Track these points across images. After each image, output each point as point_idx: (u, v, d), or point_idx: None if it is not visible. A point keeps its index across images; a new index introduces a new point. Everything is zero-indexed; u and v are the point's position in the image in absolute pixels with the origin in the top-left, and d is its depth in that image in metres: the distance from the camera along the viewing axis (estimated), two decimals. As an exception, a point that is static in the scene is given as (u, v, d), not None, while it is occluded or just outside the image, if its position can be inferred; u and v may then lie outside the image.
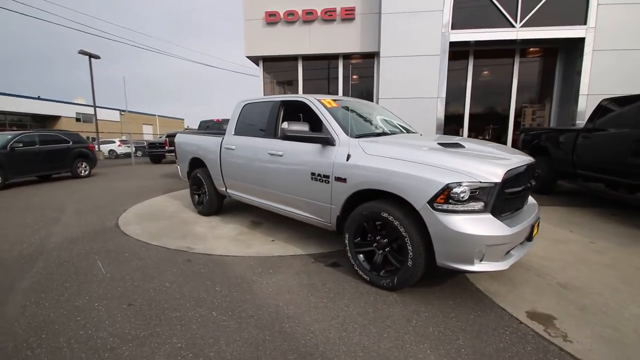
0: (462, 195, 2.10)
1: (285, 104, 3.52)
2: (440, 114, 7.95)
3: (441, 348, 1.85)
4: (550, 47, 8.19)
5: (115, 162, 16.27)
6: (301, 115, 3.29)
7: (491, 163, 2.25)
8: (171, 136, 8.63)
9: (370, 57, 8.83)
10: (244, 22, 8.68)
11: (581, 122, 7.51)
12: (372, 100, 8.90)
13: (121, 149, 21.87)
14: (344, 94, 9.00)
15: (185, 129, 36.63)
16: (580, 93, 7.45)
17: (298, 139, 2.99)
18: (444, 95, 7.85)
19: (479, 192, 2.13)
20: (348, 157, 2.67)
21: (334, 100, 3.31)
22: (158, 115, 40.71)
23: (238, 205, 5.22)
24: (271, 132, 3.52)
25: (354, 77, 9.12)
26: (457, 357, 1.78)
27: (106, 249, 3.42)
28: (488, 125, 8.90)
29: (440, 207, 2.15)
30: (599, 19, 7.13)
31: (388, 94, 7.96)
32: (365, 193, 2.62)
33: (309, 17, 8.42)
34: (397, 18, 7.67)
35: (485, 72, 8.69)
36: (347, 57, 8.89)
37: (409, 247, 2.30)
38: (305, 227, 4.00)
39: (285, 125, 2.90)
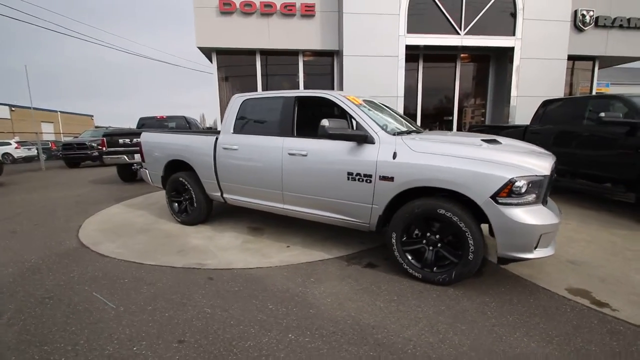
0: (522, 188, 2.24)
1: (301, 100, 3.29)
2: (400, 112, 8.38)
3: (531, 334, 1.94)
4: (484, 54, 9.30)
5: (17, 168, 13.27)
6: (312, 111, 3.13)
7: (539, 157, 2.44)
8: (111, 135, 7.38)
9: (330, 55, 8.85)
10: (194, 9, 7.87)
11: (512, 120, 8.76)
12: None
13: (19, 152, 17.98)
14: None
15: (96, 127, 31.65)
16: (511, 95, 8.65)
17: (334, 137, 2.81)
18: (402, 94, 8.31)
19: (533, 185, 2.29)
20: (394, 155, 2.62)
21: (356, 97, 3.21)
22: (60, 112, 34.45)
23: (223, 211, 4.73)
24: (288, 130, 3.25)
25: (314, 74, 9.04)
26: (550, 340, 1.88)
27: (91, 276, 2.75)
28: (435, 123, 9.73)
29: (503, 201, 2.25)
30: (524, 31, 8.36)
31: (352, 92, 8.07)
32: (408, 191, 2.60)
33: (267, 9, 8.04)
34: (359, 18, 7.83)
35: (432, 74, 9.46)
36: (307, 53, 8.75)
37: (470, 242, 2.36)
38: (314, 229, 3.83)
39: (326, 122, 2.70)
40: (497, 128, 6.74)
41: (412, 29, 8.15)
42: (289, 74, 8.92)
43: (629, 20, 9.19)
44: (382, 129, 2.79)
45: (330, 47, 8.44)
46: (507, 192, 2.24)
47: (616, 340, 1.87)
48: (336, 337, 1.92)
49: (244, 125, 3.60)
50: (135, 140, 7.07)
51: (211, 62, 8.73)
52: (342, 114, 3.67)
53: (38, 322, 2.10)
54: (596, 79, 10.08)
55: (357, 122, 2.88)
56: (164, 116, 9.12)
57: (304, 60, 8.76)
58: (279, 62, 8.79)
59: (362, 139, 2.76)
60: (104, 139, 7.12)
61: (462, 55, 9.22)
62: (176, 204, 4.26)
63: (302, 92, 3.32)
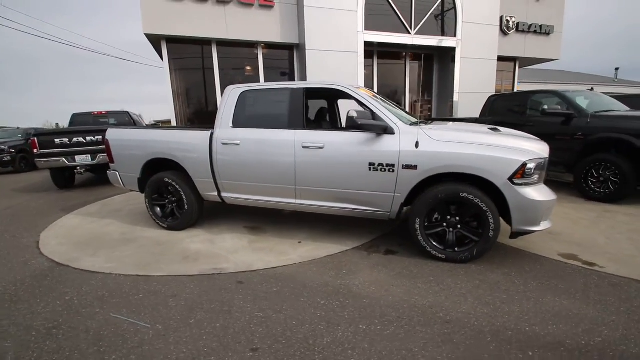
0: (532, 169, 2.55)
1: (310, 91, 3.22)
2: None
3: (557, 294, 2.25)
4: (429, 53, 10.11)
5: None
6: (317, 104, 3.12)
7: (538, 142, 2.80)
8: (44, 135, 6.25)
9: (289, 49, 8.72)
10: (139, -10, 7.03)
11: (455, 114, 9.72)
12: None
13: None
14: (266, 85, 8.60)
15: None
16: (454, 91, 9.58)
17: (363, 129, 2.82)
18: (363, 89, 8.60)
19: (538, 166, 2.62)
20: (417, 144, 2.75)
21: (367, 89, 3.26)
22: None
23: (210, 213, 4.40)
24: (299, 122, 3.15)
25: (274, 68, 8.82)
26: (573, 297, 2.21)
27: (94, 296, 2.36)
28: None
29: (518, 182, 2.54)
30: (463, 33, 9.29)
31: (316, 86, 8.11)
32: (427, 178, 2.77)
33: (223, -3, 7.57)
34: (320, 13, 7.85)
35: (385, 71, 9.97)
36: (267, 46, 8.48)
37: (491, 220, 2.61)
38: (317, 223, 3.82)
39: (354, 113, 2.71)
40: (449, 121, 7.43)
41: (369, 26, 8.46)
42: (248, 67, 8.56)
43: (540, 26, 10.85)
44: (401, 119, 2.90)
45: (290, 40, 8.31)
46: (522, 173, 2.53)
47: (619, 290, 2.28)
48: (404, 321, 1.99)
49: (244, 118, 3.39)
50: (77, 139, 6.11)
51: (159, 52, 7.92)
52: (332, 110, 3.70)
53: (61, 357, 1.75)
54: (517, 78, 11.72)
55: (374, 113, 2.94)
56: (103, 112, 8.03)
57: (263, 53, 8.48)
58: (238, 54, 8.37)
59: (384, 129, 2.84)
60: (35, 139, 5.99)
61: (410, 53, 9.88)
62: (158, 208, 3.84)
63: (312, 83, 3.25)
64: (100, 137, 6.24)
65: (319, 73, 8.05)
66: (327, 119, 4.19)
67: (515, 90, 11.80)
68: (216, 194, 3.56)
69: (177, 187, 3.62)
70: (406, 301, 2.21)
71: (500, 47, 10.11)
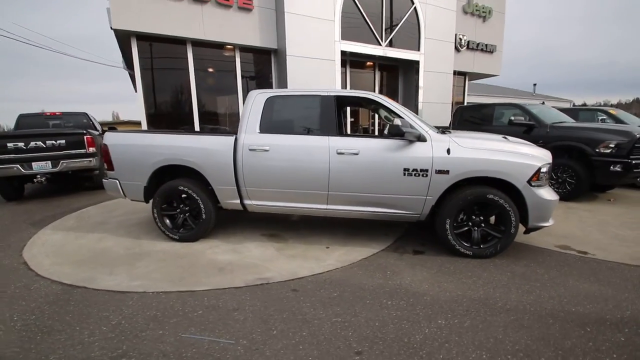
0: (545, 173, 2.97)
1: (340, 99, 3.30)
2: (337, 113, 8.95)
3: (576, 279, 2.64)
4: (394, 65, 10.77)
5: None
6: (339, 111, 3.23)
7: (541, 149, 3.24)
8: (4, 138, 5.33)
9: (267, 54, 8.62)
10: (106, -19, 6.40)
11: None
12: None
13: None
14: (243, 90, 8.38)
15: None
16: (418, 101, 10.34)
17: (397, 135, 2.98)
18: (339, 96, 8.85)
19: (547, 170, 3.04)
20: (448, 151, 3.00)
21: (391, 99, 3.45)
22: None
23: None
24: (332, 129, 3.21)
25: (252, 72, 8.64)
26: (590, 281, 2.61)
27: (147, 317, 2.15)
28: (364, 126, 10.73)
29: (534, 184, 2.93)
30: (426, 48, 10.10)
31: (296, 92, 8.14)
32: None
33: (200, -5, 7.24)
34: (301, 20, 7.92)
35: (356, 80, 10.38)
36: (244, 49, 8.28)
37: (513, 218, 2.96)
38: (333, 228, 3.90)
39: (399, 122, 2.85)
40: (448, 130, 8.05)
41: (344, 36, 8.76)
42: (225, 70, 8.26)
43: (486, 45, 12.25)
44: (431, 128, 3.14)
45: (268, 44, 8.23)
46: (537, 177, 2.93)
47: (617, 272, 2.76)
48: (473, 313, 2.18)
49: (272, 124, 3.35)
50: (36, 144, 5.33)
51: (125, 49, 7.27)
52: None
53: (155, 383, 1.59)
54: (467, 91, 13.04)
55: (406, 121, 3.13)
56: (57, 113, 7.10)
57: (241, 57, 8.26)
58: (214, 56, 8.04)
59: (417, 137, 3.04)
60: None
61: (379, 64, 10.44)
62: (167, 219, 3.57)
63: (342, 91, 3.35)
64: (64, 140, 5.55)
65: (298, 79, 8.10)
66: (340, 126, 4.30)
67: (467, 103, 13.11)
68: (238, 201, 3.44)
69: (195, 195, 3.41)
70: (462, 295, 2.41)
71: (455, 63, 11.19)
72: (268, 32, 8.18)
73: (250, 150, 3.27)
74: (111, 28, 6.63)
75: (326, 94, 3.31)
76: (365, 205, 3.24)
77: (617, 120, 7.29)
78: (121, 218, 4.52)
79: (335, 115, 3.26)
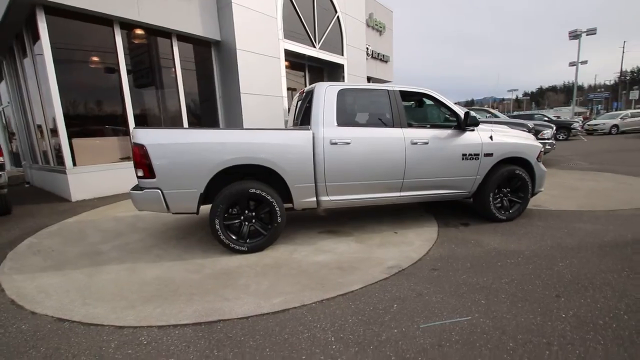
0: (543, 152, 4.05)
1: (403, 94, 3.56)
2: (284, 110, 8.86)
3: (578, 223, 3.75)
4: (321, 67, 11.37)
5: None
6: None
7: (532, 135, 4.34)
8: None
9: (208, 46, 7.74)
10: None
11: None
12: (215, 95, 8.02)
13: None
14: (183, 84, 7.29)
15: None
16: (345, 101, 11.25)
17: (473, 125, 3.49)
18: (285, 94, 8.80)
19: (542, 150, 4.14)
20: (491, 137, 3.71)
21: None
22: None
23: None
24: (402, 121, 3.44)
25: (190, 63, 7.57)
26: (583, 221, 3.77)
27: (360, 320, 1.96)
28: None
29: (538, 160, 3.97)
30: (347, 53, 11.09)
31: (249, 89, 7.65)
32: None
33: (130, -33, 5.93)
34: (248, 13, 7.48)
35: (290, 79, 10.45)
36: (182, 38, 7.19)
37: (530, 186, 3.92)
38: (373, 214, 4.14)
39: (474, 114, 3.31)
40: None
41: (286, 35, 8.74)
42: (161, 58, 6.98)
43: (384, 55, 14.30)
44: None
45: (210, 35, 7.43)
46: (540, 156, 3.98)
47: (588, 218, 4.04)
48: (559, 258, 2.87)
49: (346, 117, 3.31)
50: None
51: (29, 26, 5.27)
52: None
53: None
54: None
55: (456, 113, 3.66)
56: None
57: (179, 45, 7.14)
58: (149, 43, 6.69)
59: (472, 127, 3.63)
60: None
61: (308, 65, 10.82)
62: (228, 229, 3.05)
63: (403, 86, 3.60)
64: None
65: (251, 76, 7.66)
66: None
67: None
68: (314, 199, 3.26)
69: (269, 197, 3.05)
70: (539, 248, 3.11)
71: (367, 69, 12.68)
72: (210, 22, 7.40)
73: (331, 143, 3.17)
74: (6, -10, 4.73)
75: (391, 88, 3.53)
76: (431, 189, 3.63)
77: (495, 116, 9.93)
78: (117, 242, 3.47)
79: (402, 108, 3.51)
